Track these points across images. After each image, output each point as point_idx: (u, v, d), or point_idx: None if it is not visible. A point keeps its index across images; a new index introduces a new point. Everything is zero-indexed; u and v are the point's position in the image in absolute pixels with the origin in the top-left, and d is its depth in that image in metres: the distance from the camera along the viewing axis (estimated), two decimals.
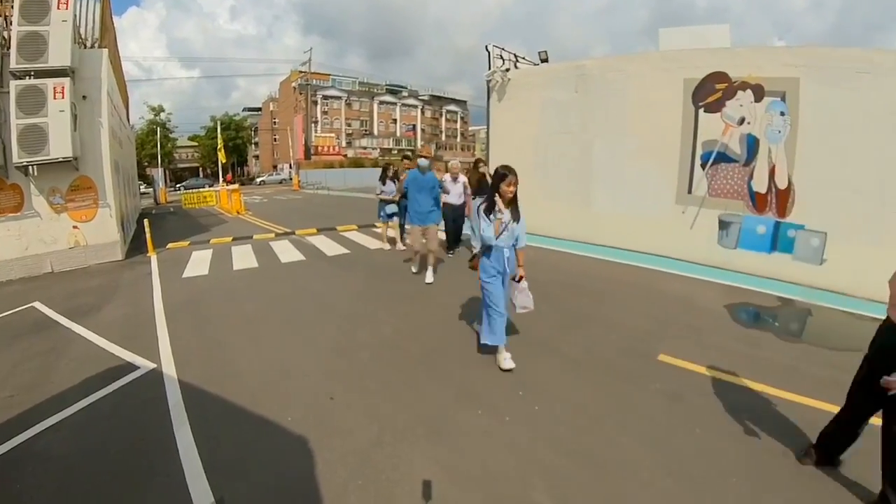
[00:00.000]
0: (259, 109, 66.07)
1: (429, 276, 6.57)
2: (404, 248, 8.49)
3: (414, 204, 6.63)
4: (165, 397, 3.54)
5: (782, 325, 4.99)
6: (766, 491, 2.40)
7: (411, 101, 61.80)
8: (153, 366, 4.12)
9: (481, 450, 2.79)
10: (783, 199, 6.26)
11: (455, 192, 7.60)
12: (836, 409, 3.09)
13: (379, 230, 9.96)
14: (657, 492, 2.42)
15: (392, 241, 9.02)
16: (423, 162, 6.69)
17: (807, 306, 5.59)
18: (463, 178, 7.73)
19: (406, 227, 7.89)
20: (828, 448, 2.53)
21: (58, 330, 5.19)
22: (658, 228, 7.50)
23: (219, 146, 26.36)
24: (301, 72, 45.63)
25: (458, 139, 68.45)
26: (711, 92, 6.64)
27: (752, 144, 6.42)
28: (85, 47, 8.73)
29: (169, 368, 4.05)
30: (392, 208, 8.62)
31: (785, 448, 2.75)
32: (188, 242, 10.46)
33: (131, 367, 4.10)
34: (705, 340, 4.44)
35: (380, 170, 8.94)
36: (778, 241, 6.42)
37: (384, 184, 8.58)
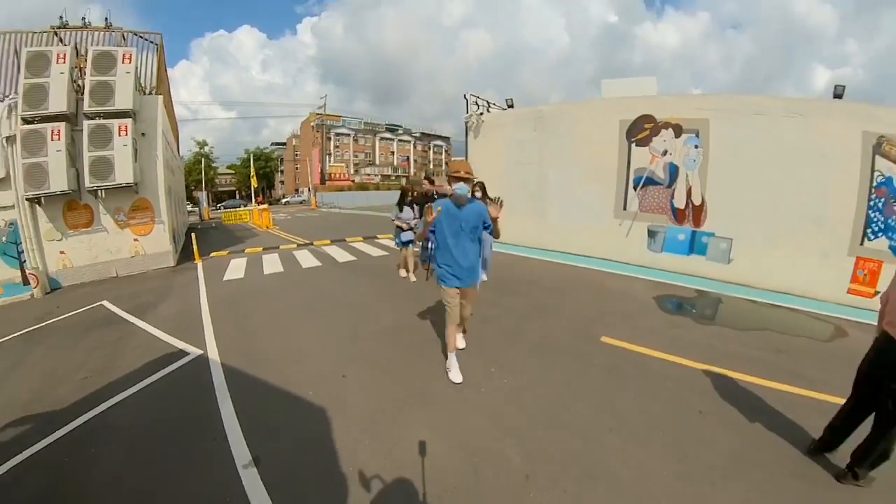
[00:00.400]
0: (284, 144, 65.18)
1: (455, 373, 3.28)
2: (427, 277, 6.21)
3: (446, 254, 3.25)
4: (211, 377, 3.52)
5: (698, 311, 5.04)
6: (684, 437, 2.51)
7: (405, 137, 61.73)
8: (200, 352, 4.06)
9: (462, 414, 2.83)
10: (698, 213, 6.36)
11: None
12: (736, 376, 3.29)
13: (382, 241, 9.68)
14: (601, 445, 2.49)
15: (408, 269, 6.62)
16: (460, 189, 3.18)
17: (718, 296, 5.63)
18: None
19: (434, 273, 3.58)
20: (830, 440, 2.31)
21: (123, 324, 5.10)
22: (600, 237, 7.51)
23: (251, 173, 26.05)
24: (318, 114, 45.79)
25: (444, 167, 68.45)
26: (641, 130, 6.72)
27: (673, 171, 6.51)
28: (144, 94, 8.57)
29: (213, 354, 4.01)
30: (408, 235, 6.37)
31: (704, 404, 2.88)
32: (227, 252, 10.25)
33: (183, 354, 4.06)
34: (637, 325, 4.49)
35: (385, 192, 8.04)
36: (694, 245, 6.48)
37: (401, 210, 6.41)
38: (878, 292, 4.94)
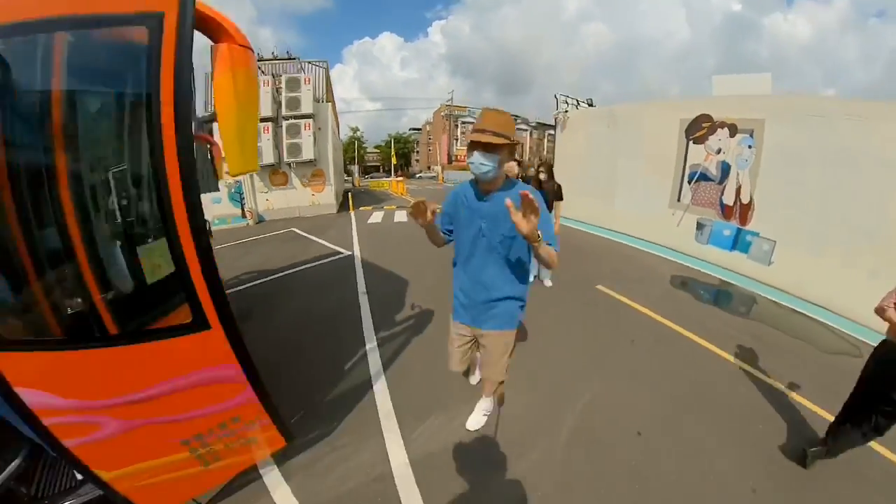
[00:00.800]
0: (419, 129, 75.91)
1: (474, 422, 2.53)
2: None
3: (458, 271, 2.08)
4: (353, 263, 6.49)
5: (705, 294, 5.51)
6: (604, 351, 3.63)
7: (523, 126, 63.02)
8: (349, 253, 7.19)
9: None
10: (745, 211, 6.55)
11: None
12: (689, 335, 3.93)
13: None
14: (552, 341, 3.77)
15: None
16: (478, 164, 1.71)
17: (739, 289, 5.90)
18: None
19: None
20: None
21: (306, 239, 8.68)
22: (655, 224, 8.07)
23: (392, 153, 31.60)
24: (447, 105, 52.42)
25: (551, 154, 67.03)
26: (699, 129, 7.08)
27: (725, 169, 6.77)
28: (318, 102, 12.57)
29: (356, 254, 7.12)
30: None
31: (641, 339, 3.83)
32: (371, 207, 14.39)
33: (339, 253, 7.24)
34: (637, 286, 5.36)
35: None
36: (738, 242, 6.68)
37: None
38: None
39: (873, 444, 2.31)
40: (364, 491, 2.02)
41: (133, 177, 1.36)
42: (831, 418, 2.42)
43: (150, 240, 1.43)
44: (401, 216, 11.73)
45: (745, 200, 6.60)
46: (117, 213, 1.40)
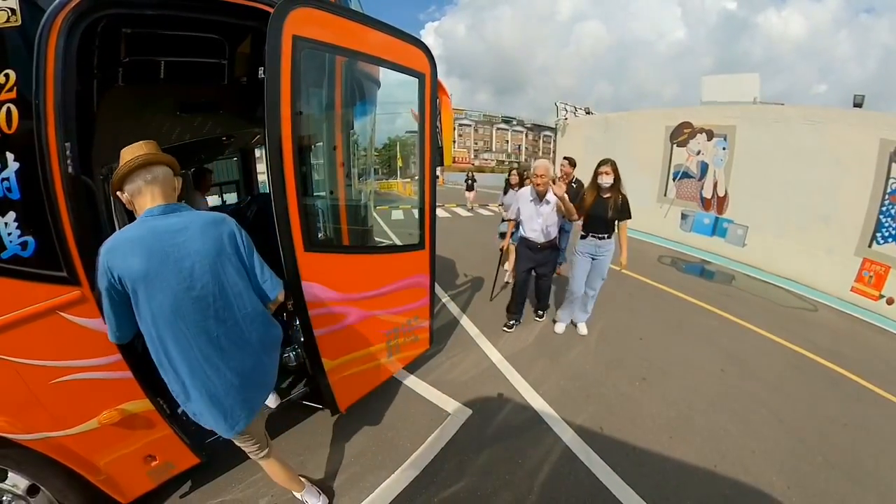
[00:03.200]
0: (416, 132, 75.82)
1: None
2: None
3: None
4: None
5: (688, 269, 6.60)
6: (633, 302, 4.72)
7: (519, 128, 64.95)
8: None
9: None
10: (721, 202, 7.60)
11: (539, 220, 3.40)
12: (667, 289, 5.19)
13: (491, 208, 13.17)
14: None
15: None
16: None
17: (719, 266, 6.93)
18: (554, 197, 3.24)
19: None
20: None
21: None
22: (645, 216, 8.70)
23: (398, 155, 32.21)
24: None
25: (552, 155, 68.48)
26: (681, 134, 8.15)
27: (704, 168, 7.84)
28: None
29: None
30: (503, 226, 5.00)
31: (653, 300, 4.90)
32: (388, 207, 14.70)
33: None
34: (633, 264, 5.97)
35: (499, 174, 7.91)
36: (716, 229, 7.68)
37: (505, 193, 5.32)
38: (883, 296, 5.23)
39: None
40: (480, 376, 3.02)
41: (404, 155, 2.47)
42: (778, 340, 3.95)
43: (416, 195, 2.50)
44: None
45: (721, 193, 7.68)
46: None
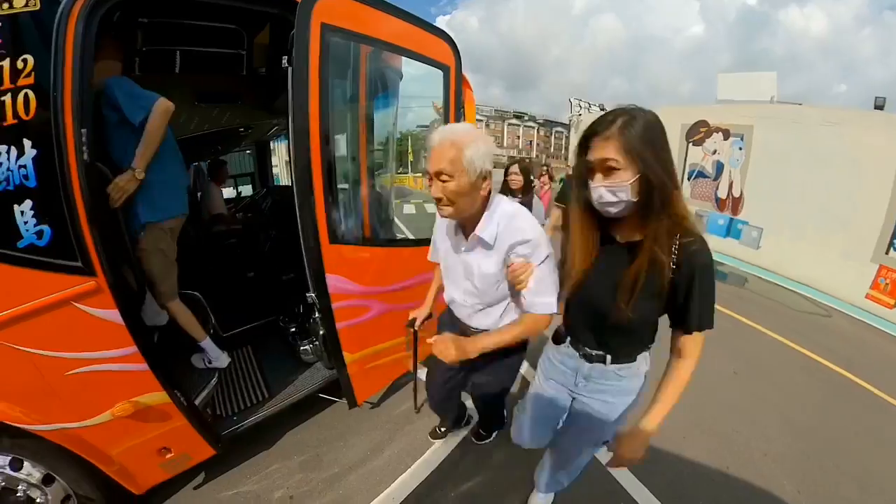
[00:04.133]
0: (427, 126, 76.13)
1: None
2: None
3: None
4: None
5: None
6: None
7: (530, 124, 63.86)
8: None
9: None
10: (736, 203, 7.44)
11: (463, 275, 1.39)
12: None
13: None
14: None
15: None
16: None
17: (732, 268, 6.78)
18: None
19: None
20: None
21: None
22: None
23: (409, 150, 32.06)
24: None
25: (563, 152, 68.05)
26: (697, 133, 7.94)
27: (719, 168, 7.65)
28: None
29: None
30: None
31: None
32: (399, 200, 15.01)
33: None
34: None
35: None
36: (731, 230, 7.52)
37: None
38: None
39: None
40: None
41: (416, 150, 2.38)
42: (791, 345, 3.75)
43: None
44: (430, 207, 12.47)
45: (736, 194, 7.53)
46: None
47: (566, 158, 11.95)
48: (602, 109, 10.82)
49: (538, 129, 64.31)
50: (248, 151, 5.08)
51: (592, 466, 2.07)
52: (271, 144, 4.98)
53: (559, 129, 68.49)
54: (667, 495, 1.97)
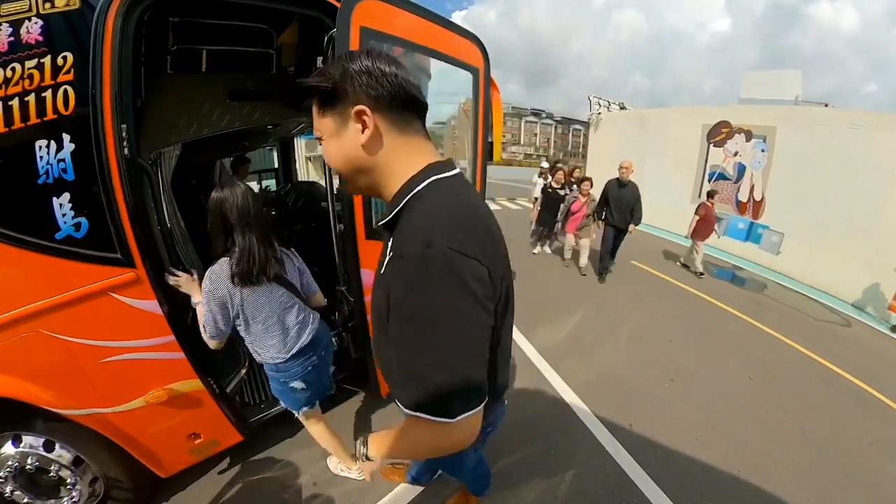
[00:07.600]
0: (444, 123, 75.32)
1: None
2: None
3: None
4: None
5: (720, 274, 6.18)
6: (664, 304, 4.65)
7: (548, 121, 62.20)
8: None
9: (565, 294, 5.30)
10: (757, 207, 7.12)
11: None
12: (697, 293, 5.02)
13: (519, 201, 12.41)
14: (591, 288, 4.96)
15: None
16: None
17: (751, 273, 6.52)
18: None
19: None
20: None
21: None
22: (677, 217, 8.13)
23: None
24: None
25: (581, 150, 66.47)
26: (719, 133, 7.61)
27: (741, 170, 7.33)
28: None
29: None
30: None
31: (684, 302, 4.74)
32: None
33: None
34: (663, 265, 6.23)
35: (526, 168, 6.18)
36: (751, 234, 7.23)
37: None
38: None
39: None
40: (515, 368, 3.02)
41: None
42: (808, 353, 3.76)
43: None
44: None
45: (757, 198, 7.20)
46: None
47: (584, 157, 11.60)
48: (622, 108, 10.47)
49: (556, 127, 62.74)
50: (269, 148, 5.14)
51: (609, 466, 2.11)
52: (295, 141, 5.02)
53: (577, 126, 66.78)
54: (677, 494, 1.96)
